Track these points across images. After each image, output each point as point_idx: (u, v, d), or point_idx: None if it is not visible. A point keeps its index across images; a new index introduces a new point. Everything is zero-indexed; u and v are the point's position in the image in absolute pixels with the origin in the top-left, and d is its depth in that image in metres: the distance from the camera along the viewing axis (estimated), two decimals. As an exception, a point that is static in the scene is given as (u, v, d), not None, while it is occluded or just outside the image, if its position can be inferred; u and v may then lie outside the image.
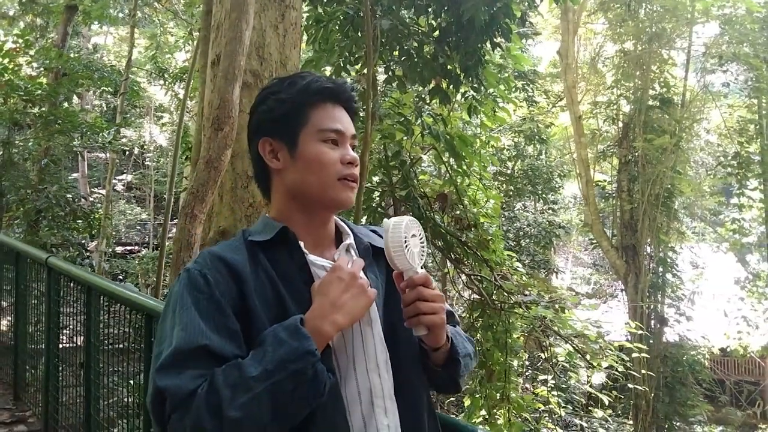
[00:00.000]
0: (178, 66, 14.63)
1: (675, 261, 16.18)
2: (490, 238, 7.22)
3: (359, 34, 6.13)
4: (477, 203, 7.58)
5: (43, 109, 9.05)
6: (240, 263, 1.20)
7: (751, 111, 16.57)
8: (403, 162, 6.78)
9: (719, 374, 18.49)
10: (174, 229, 14.63)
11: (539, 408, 8.09)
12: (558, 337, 7.62)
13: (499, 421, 6.81)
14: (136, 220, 20.97)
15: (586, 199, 16.32)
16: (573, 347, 7.33)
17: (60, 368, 4.02)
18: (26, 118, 9.15)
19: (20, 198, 8.56)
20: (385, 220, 1.30)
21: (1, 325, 5.74)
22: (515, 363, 7.72)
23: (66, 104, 10.20)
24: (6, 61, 8.54)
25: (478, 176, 7.62)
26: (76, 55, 11.99)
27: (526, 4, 6.16)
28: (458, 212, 7.25)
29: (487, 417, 6.88)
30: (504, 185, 16.17)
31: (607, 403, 8.56)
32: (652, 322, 15.31)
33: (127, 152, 19.06)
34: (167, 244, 9.41)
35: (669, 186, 15.31)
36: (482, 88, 6.63)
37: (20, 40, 9.34)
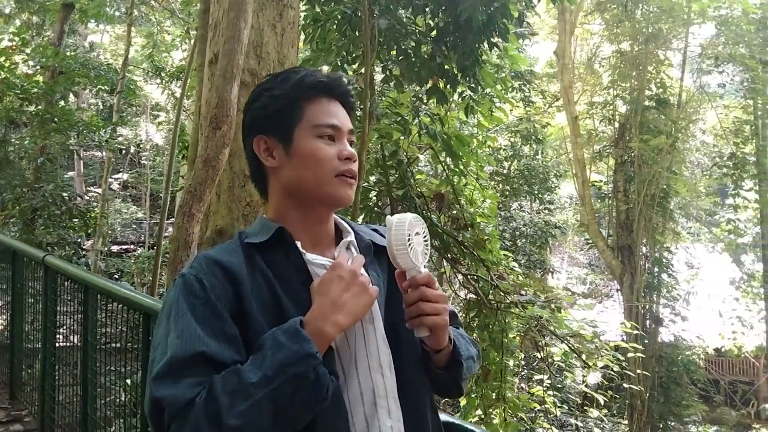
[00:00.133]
0: (174, 65, 14.61)
1: (670, 261, 16.24)
2: (486, 237, 7.22)
3: (357, 33, 6.13)
4: (474, 203, 7.59)
5: (40, 107, 9.03)
6: (236, 266, 1.17)
7: (746, 112, 16.64)
8: (400, 161, 6.78)
9: (714, 374, 18.56)
10: (170, 228, 14.62)
11: (535, 408, 8.12)
12: (554, 336, 7.63)
13: (495, 421, 6.82)
14: (131, 219, 20.95)
15: (582, 199, 16.36)
16: (569, 347, 7.35)
17: (56, 367, 4.01)
18: (22, 116, 9.13)
19: (16, 196, 8.54)
20: (388, 217, 1.27)
21: (-3, 323, 5.73)
22: (511, 363, 7.74)
23: (62, 102, 10.18)
24: (2, 59, 8.52)
25: (475, 176, 7.63)
26: (73, 53, 11.96)
27: (524, 4, 6.17)
28: (455, 212, 7.25)
29: (483, 417, 6.89)
30: (500, 185, 16.20)
31: (602, 402, 8.59)
32: (648, 322, 15.36)
33: (124, 151, 19.01)
34: (164, 243, 9.40)
35: (665, 186, 15.36)
36: (479, 87, 6.63)
37: (16, 38, 9.31)
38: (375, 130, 6.33)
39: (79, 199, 10.27)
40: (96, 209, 11.67)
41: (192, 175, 3.44)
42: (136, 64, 16.48)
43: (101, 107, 19.64)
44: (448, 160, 6.99)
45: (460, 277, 7.40)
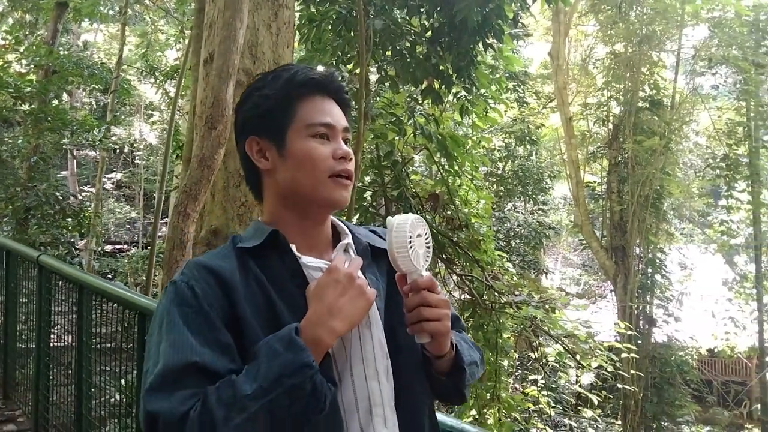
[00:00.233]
0: (168, 64, 14.57)
1: (664, 262, 16.30)
2: (481, 238, 7.23)
3: (352, 33, 6.14)
4: (468, 203, 7.60)
5: (33, 106, 9.01)
6: (228, 271, 1.14)
7: (739, 113, 16.72)
8: (395, 162, 6.79)
9: (707, 375, 18.63)
10: (164, 228, 14.58)
11: (529, 408, 8.13)
12: (548, 337, 7.66)
13: (489, 421, 6.84)
14: (125, 219, 20.87)
15: (576, 200, 16.40)
16: (563, 347, 7.37)
17: (50, 367, 3.99)
18: (16, 115, 9.11)
19: (9, 196, 8.50)
20: (389, 218, 1.22)
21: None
22: (505, 363, 7.75)
23: (56, 102, 10.14)
24: (-5, 57, 8.50)
25: (470, 176, 7.64)
26: (66, 52, 11.92)
27: (519, 5, 6.18)
28: (450, 212, 7.26)
29: (477, 417, 6.90)
30: (494, 186, 16.23)
31: (596, 403, 8.61)
32: (641, 322, 15.41)
33: (117, 150, 18.96)
34: (157, 242, 9.38)
35: (658, 187, 15.42)
36: (474, 88, 6.64)
37: (9, 37, 9.28)
38: (370, 130, 6.33)
39: (72, 198, 10.25)
40: (89, 209, 11.63)
41: (187, 175, 3.44)
42: (130, 64, 16.43)
43: (95, 106, 19.60)
44: (443, 160, 7.00)
45: (454, 277, 7.41)
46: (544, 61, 18.65)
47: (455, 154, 6.82)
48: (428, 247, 1.25)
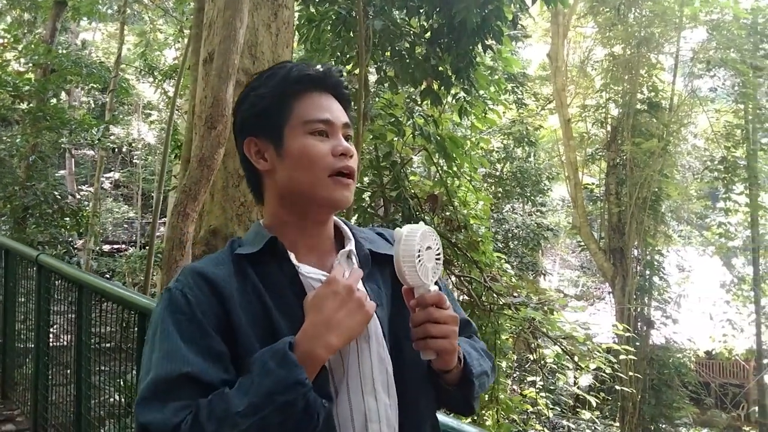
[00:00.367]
0: (167, 63, 14.56)
1: (662, 264, 16.33)
2: (479, 239, 7.24)
3: (351, 34, 6.15)
4: (467, 205, 7.60)
5: (31, 105, 9.00)
6: (223, 278, 1.11)
7: (737, 116, 16.75)
8: (393, 162, 6.79)
9: (705, 377, 18.65)
10: (162, 228, 14.57)
11: (527, 409, 8.14)
12: (546, 338, 7.66)
13: (487, 423, 6.84)
14: (123, 219, 20.84)
15: (574, 201, 16.42)
16: (561, 349, 7.37)
17: (49, 366, 3.99)
18: (14, 114, 9.09)
19: (7, 195, 8.49)
20: (398, 229, 1.16)
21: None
22: (504, 364, 7.76)
23: (54, 100, 10.13)
24: (-6, 56, 8.49)
25: (469, 178, 7.65)
26: (65, 51, 11.90)
27: (518, 6, 6.19)
28: (448, 213, 7.26)
29: (475, 418, 6.90)
30: (493, 187, 16.23)
31: (594, 404, 8.62)
32: (639, 324, 15.43)
33: (115, 150, 18.93)
34: (156, 242, 9.37)
35: (656, 189, 15.44)
36: (473, 89, 6.65)
37: (8, 35, 9.27)
38: (369, 130, 6.34)
39: (70, 197, 10.22)
40: (88, 208, 11.62)
41: (187, 175, 3.43)
42: (129, 63, 16.42)
43: (93, 105, 19.57)
44: (442, 161, 7.00)
45: (453, 278, 7.41)
46: (543, 63, 18.68)
47: (454, 155, 6.82)
48: (438, 261, 1.19)
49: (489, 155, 15.25)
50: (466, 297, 7.39)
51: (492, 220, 13.73)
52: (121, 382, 3.13)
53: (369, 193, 7.12)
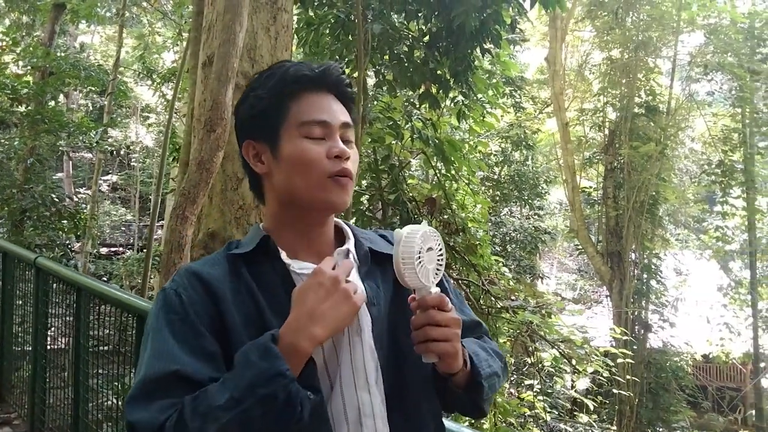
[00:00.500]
0: (166, 66, 14.56)
1: (659, 267, 16.35)
2: (477, 242, 7.24)
3: (350, 37, 6.16)
4: (465, 208, 7.62)
5: (30, 108, 8.98)
6: (217, 278, 1.11)
7: (735, 120, 16.80)
8: (392, 166, 6.80)
9: (702, 380, 18.66)
10: (160, 231, 14.55)
11: (525, 413, 8.13)
12: (544, 342, 7.66)
13: (485, 426, 6.83)
14: (120, 221, 20.83)
15: (572, 205, 16.44)
16: (559, 352, 7.38)
17: (47, 369, 3.98)
18: (12, 116, 9.07)
19: (5, 197, 8.46)
20: (398, 229, 1.14)
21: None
22: (501, 367, 7.72)
23: (52, 103, 10.12)
24: (-8, 59, 8.48)
25: (467, 181, 7.66)
26: (63, 53, 11.90)
27: (516, 10, 6.21)
28: (446, 217, 7.27)
29: (473, 422, 6.89)
30: (491, 190, 16.26)
31: (591, 408, 8.61)
32: (637, 327, 15.45)
33: (113, 153, 18.92)
34: (153, 245, 9.36)
35: (654, 193, 15.47)
36: (471, 93, 6.66)
37: (6, 38, 9.25)
38: (368, 134, 6.35)
39: (68, 200, 10.20)
40: (85, 211, 11.60)
41: (186, 178, 3.43)
42: (127, 66, 16.42)
43: (91, 108, 19.55)
44: (440, 164, 7.01)
45: (451, 281, 7.41)
46: (541, 67, 18.72)
47: (452, 159, 6.83)
48: (440, 263, 1.16)
49: (487, 158, 15.28)
50: (464, 300, 7.38)
51: (490, 224, 13.74)
52: (119, 386, 3.13)
53: (367, 196, 7.13)
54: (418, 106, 6.88)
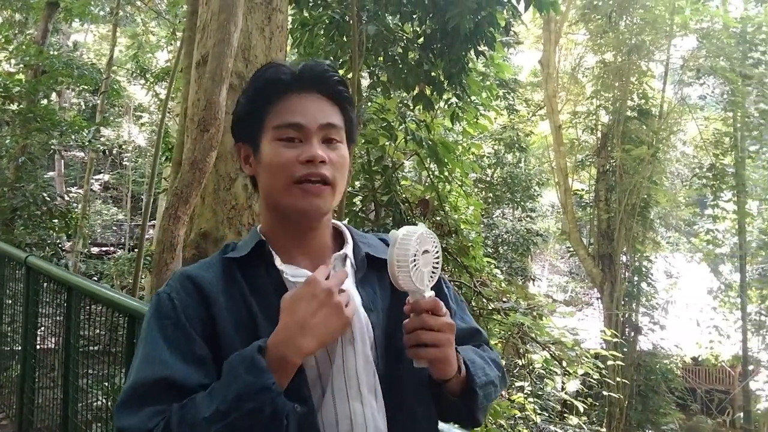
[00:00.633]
0: (159, 66, 14.52)
1: (650, 270, 16.43)
2: (470, 244, 7.25)
3: (344, 38, 6.16)
4: (458, 210, 7.63)
5: (22, 106, 8.92)
6: (210, 282, 1.10)
7: (726, 124, 16.90)
8: (385, 167, 6.81)
9: (691, 383, 18.76)
10: (152, 230, 14.49)
11: (515, 414, 8.14)
12: (535, 343, 7.68)
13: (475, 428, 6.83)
14: (112, 221, 20.73)
15: (564, 207, 16.49)
16: (550, 354, 7.40)
17: (36, 369, 3.96)
18: (4, 115, 9.01)
19: (-4, 196, 8.42)
20: (394, 231, 1.11)
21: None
22: (493, 369, 7.73)
23: (45, 102, 10.06)
24: (-16, 56, 8.43)
25: (460, 183, 7.67)
26: (56, 52, 11.84)
27: (510, 13, 6.22)
28: (439, 218, 7.28)
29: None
30: (483, 192, 16.30)
31: (582, 410, 8.64)
32: (627, 330, 15.51)
33: (105, 152, 18.84)
34: (145, 245, 9.32)
35: (645, 196, 15.54)
36: (465, 95, 6.67)
37: (-1, 36, 9.21)
38: (361, 135, 6.35)
39: (59, 199, 10.14)
40: (77, 210, 11.54)
41: (178, 178, 3.42)
42: (121, 65, 16.36)
43: (84, 107, 19.45)
44: (434, 166, 7.02)
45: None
46: (534, 69, 18.76)
47: (445, 160, 6.84)
48: (436, 266, 1.13)
49: (480, 160, 15.31)
50: (456, 302, 7.39)
51: (482, 225, 13.77)
52: (108, 386, 3.11)
53: (360, 197, 7.13)
54: (412, 107, 6.88)
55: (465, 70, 6.13)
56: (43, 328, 3.98)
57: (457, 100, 6.82)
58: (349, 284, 1.16)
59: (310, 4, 6.23)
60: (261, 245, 1.16)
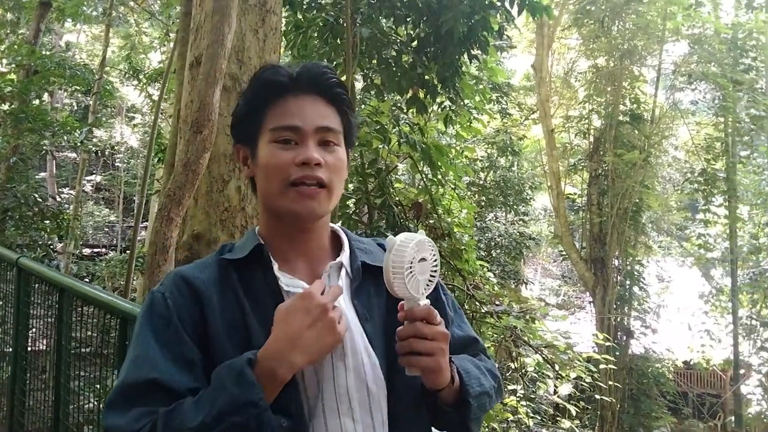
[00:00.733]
0: (152, 67, 14.48)
1: (642, 274, 16.48)
2: (463, 247, 7.26)
3: (338, 41, 6.16)
4: (451, 213, 7.63)
5: (13, 106, 8.88)
6: (205, 283, 1.10)
7: (717, 129, 16.99)
8: (379, 170, 6.80)
9: (683, 386, 18.81)
10: (144, 232, 14.42)
11: (508, 418, 8.15)
12: (528, 347, 7.69)
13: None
14: (104, 222, 20.65)
15: (557, 211, 16.53)
16: (542, 357, 7.41)
17: (27, 371, 3.93)
18: (-5, 115, 8.96)
19: (-14, 197, 8.37)
20: (391, 237, 1.10)
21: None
22: (485, 372, 7.73)
23: (36, 102, 10.02)
24: (-25, 56, 8.38)
25: (453, 186, 7.68)
26: (49, 52, 11.79)
27: (504, 17, 6.25)
28: (432, 221, 7.28)
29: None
30: (476, 195, 16.32)
31: (574, 413, 8.66)
32: (619, 334, 15.54)
33: (98, 153, 18.76)
34: (137, 246, 9.29)
35: (637, 200, 15.60)
36: (458, 98, 6.69)
37: (-9, 36, 9.16)
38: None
39: (51, 200, 10.10)
40: (68, 211, 11.48)
41: (171, 179, 3.41)
42: (113, 65, 16.30)
43: (76, 108, 19.38)
44: (427, 169, 7.03)
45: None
46: (527, 74, 18.82)
47: (439, 164, 6.85)
48: (433, 274, 1.12)
49: (473, 164, 15.33)
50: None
51: (475, 229, 13.78)
52: (100, 388, 3.10)
53: (354, 199, 7.12)
54: (405, 110, 6.90)
55: (458, 74, 6.15)
56: (34, 330, 3.96)
57: (450, 104, 6.83)
58: (344, 295, 1.16)
59: (304, 7, 6.24)
60: (259, 248, 1.16)
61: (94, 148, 12.82)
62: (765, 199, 16.91)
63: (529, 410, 8.66)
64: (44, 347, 3.85)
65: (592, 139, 16.72)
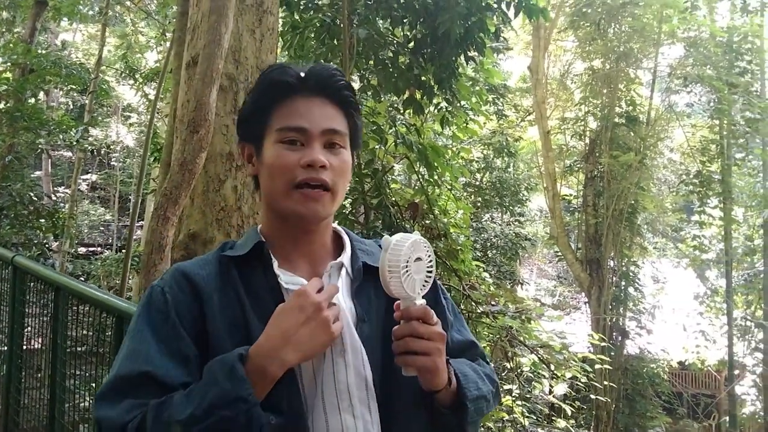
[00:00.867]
0: (148, 66, 14.46)
1: (637, 275, 16.52)
2: (459, 248, 7.27)
3: (335, 42, 6.17)
4: (447, 213, 7.64)
5: (9, 105, 8.86)
6: (205, 279, 1.10)
7: (713, 131, 17.05)
8: (375, 170, 6.81)
9: (678, 387, 18.86)
10: (140, 231, 14.40)
11: (503, 418, 8.16)
12: (523, 347, 7.71)
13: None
14: (99, 221, 20.61)
15: (552, 212, 16.56)
16: (538, 357, 7.43)
17: (22, 369, 3.93)
18: (-10, 113, 8.93)
19: (-19, 195, 8.36)
20: (387, 236, 1.10)
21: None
22: (481, 373, 7.74)
23: (32, 101, 10.00)
24: (-29, 55, 8.37)
25: (449, 187, 7.69)
26: (44, 51, 11.77)
27: (500, 19, 6.27)
28: (428, 222, 7.29)
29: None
30: (472, 196, 16.34)
31: (569, 413, 8.68)
32: (614, 334, 15.58)
33: (93, 152, 18.73)
34: (132, 245, 9.28)
35: (633, 202, 15.63)
36: (455, 100, 6.71)
37: (-14, 34, 9.14)
38: (351, 138, 6.34)
39: (46, 199, 10.09)
40: (64, 210, 11.47)
41: (168, 178, 3.42)
42: (109, 65, 16.27)
43: (72, 107, 19.33)
44: (423, 170, 7.04)
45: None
46: (524, 75, 18.85)
47: (435, 164, 6.86)
48: (429, 274, 1.12)
49: (469, 165, 15.35)
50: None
51: (471, 229, 13.80)
52: (96, 387, 3.10)
53: (350, 199, 7.13)
54: (402, 111, 6.90)
55: (455, 75, 6.16)
56: (29, 329, 3.95)
57: (447, 105, 6.84)
58: (344, 295, 1.16)
59: (301, 7, 6.25)
60: (260, 246, 1.16)
61: (89, 147, 12.80)
62: (760, 201, 16.96)
63: (524, 410, 8.67)
64: (39, 346, 3.85)
65: (587, 140, 16.76)
